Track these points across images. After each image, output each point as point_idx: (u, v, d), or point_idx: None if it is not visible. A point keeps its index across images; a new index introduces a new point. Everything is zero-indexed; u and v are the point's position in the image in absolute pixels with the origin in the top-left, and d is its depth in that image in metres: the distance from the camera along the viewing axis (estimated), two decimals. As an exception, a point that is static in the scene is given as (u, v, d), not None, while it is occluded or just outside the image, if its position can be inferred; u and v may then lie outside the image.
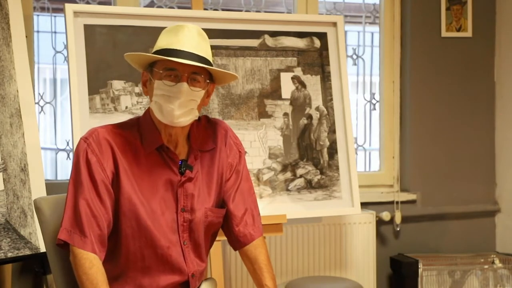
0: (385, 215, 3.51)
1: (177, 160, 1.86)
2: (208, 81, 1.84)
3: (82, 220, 1.76)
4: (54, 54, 3.19)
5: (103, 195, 1.78)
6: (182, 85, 1.77)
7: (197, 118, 1.87)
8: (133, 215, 1.81)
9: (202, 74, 1.81)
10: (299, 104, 2.99)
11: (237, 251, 2.00)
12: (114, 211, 1.81)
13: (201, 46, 1.81)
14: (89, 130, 1.86)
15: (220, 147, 1.96)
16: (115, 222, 1.82)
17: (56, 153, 3.25)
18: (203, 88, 1.83)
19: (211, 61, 1.85)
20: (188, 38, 1.79)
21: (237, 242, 1.97)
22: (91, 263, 1.74)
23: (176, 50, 1.77)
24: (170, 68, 1.78)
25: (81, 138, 1.84)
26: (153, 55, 1.80)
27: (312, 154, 2.98)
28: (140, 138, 1.86)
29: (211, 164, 1.93)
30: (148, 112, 1.89)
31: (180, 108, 1.78)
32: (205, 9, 3.15)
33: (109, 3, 3.29)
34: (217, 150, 1.95)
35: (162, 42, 1.81)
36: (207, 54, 1.83)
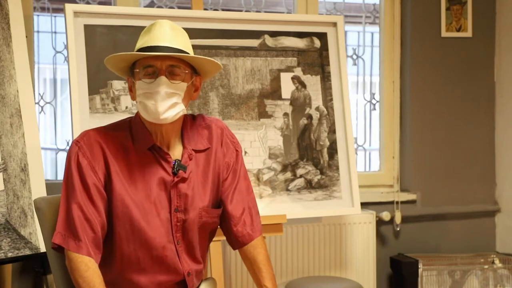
0: (385, 215, 3.51)
1: (170, 160, 1.85)
2: (189, 72, 1.82)
3: (76, 224, 1.75)
4: (54, 54, 3.19)
5: (95, 198, 1.78)
6: (160, 79, 1.76)
7: (185, 113, 1.85)
8: (127, 217, 1.80)
9: (180, 66, 1.80)
10: (299, 104, 2.99)
11: (237, 251, 2.00)
12: (107, 214, 1.81)
13: (176, 39, 1.80)
14: (81, 132, 1.86)
15: (216, 147, 1.94)
16: (109, 225, 1.81)
17: (56, 153, 3.25)
18: (185, 80, 1.81)
19: (190, 52, 1.83)
20: (161, 33, 1.79)
21: (236, 242, 1.97)
22: (87, 266, 1.74)
23: (150, 46, 1.77)
24: (148, 65, 1.78)
25: (73, 141, 1.84)
26: (123, 53, 1.79)
27: (312, 154, 2.98)
28: (132, 139, 1.85)
29: (207, 164, 1.92)
30: (138, 113, 1.88)
31: (162, 103, 1.76)
32: (205, 9, 3.14)
33: (109, 3, 3.29)
34: (213, 150, 1.93)
35: (138, 43, 1.82)
36: (185, 46, 1.82)
